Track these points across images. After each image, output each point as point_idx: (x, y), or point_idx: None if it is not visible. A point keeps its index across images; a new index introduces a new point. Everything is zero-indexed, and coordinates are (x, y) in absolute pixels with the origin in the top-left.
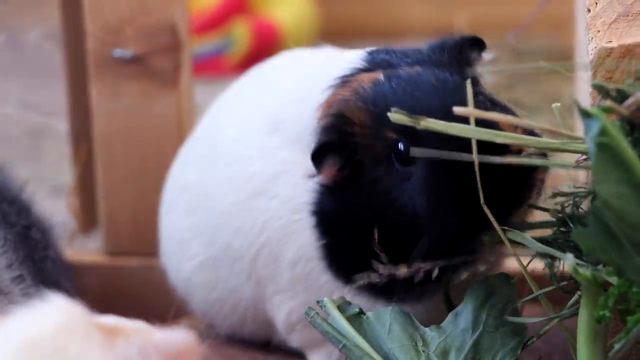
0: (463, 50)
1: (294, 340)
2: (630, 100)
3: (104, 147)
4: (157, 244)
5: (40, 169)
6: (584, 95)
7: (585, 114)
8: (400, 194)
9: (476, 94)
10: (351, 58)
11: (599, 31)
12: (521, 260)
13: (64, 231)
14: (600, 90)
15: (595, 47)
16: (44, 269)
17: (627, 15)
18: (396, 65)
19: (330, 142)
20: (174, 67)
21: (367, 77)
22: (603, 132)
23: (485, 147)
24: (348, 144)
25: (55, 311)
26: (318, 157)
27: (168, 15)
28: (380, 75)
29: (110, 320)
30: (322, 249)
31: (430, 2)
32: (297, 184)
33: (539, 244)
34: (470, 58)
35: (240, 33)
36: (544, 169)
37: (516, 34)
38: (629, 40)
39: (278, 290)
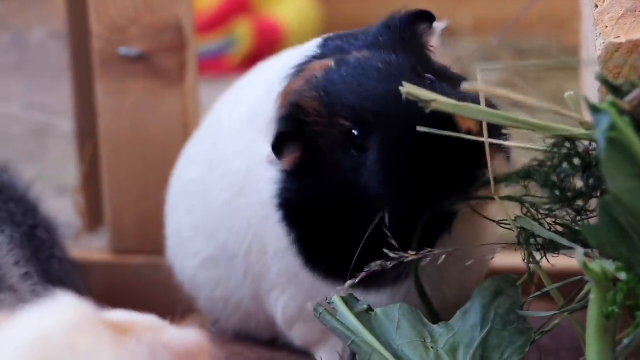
0: (410, 26)
1: (296, 338)
2: (631, 96)
3: (109, 146)
4: (163, 241)
5: (45, 168)
6: (590, 92)
7: (595, 109)
8: (358, 178)
9: (418, 67)
10: (308, 46)
11: (606, 27)
12: (534, 255)
13: (70, 230)
14: (605, 83)
15: (603, 43)
16: (50, 268)
17: (635, 11)
18: (347, 51)
19: (286, 132)
20: (180, 66)
21: (319, 65)
22: (613, 127)
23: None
24: (305, 133)
25: (65, 309)
26: (277, 147)
27: (173, 14)
28: (331, 63)
29: (121, 316)
30: (294, 243)
31: (434, 0)
32: (267, 178)
33: (551, 233)
34: (419, 32)
35: (243, 32)
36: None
37: (501, 35)
38: (637, 35)
39: (272, 286)
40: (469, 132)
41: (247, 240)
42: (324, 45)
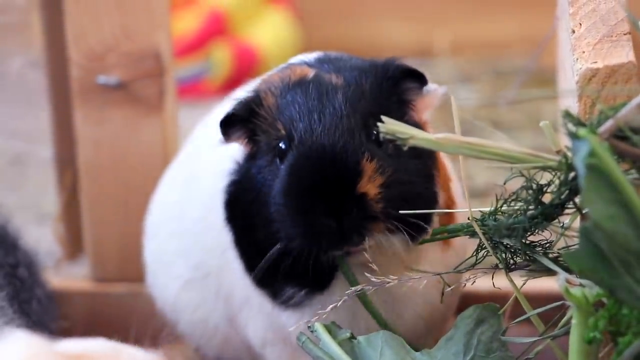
0: (396, 80)
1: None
2: (603, 127)
3: (89, 174)
4: (144, 269)
5: (24, 196)
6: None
7: (574, 135)
8: (272, 187)
9: (371, 122)
10: (313, 54)
11: (583, 52)
12: (514, 281)
13: (50, 258)
14: (570, 118)
15: (580, 68)
16: (30, 310)
17: (612, 36)
18: (328, 71)
19: (236, 114)
20: (159, 93)
21: (300, 71)
22: (592, 153)
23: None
24: (251, 123)
25: (19, 344)
26: (225, 125)
27: (151, 42)
28: (309, 75)
29: (74, 346)
30: (234, 246)
31: (412, 22)
32: None
33: (542, 256)
34: (403, 88)
35: (220, 57)
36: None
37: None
38: (614, 60)
39: (240, 305)
40: (364, 195)
41: (217, 259)
42: (322, 58)
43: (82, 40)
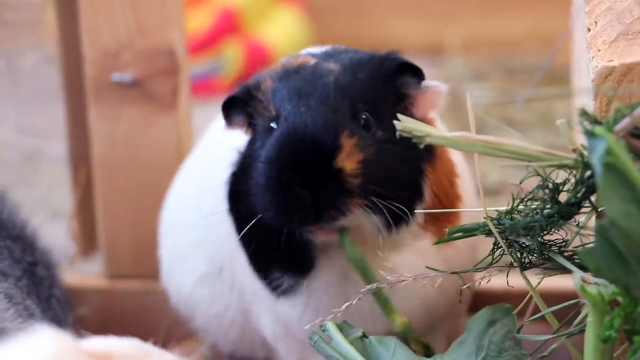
0: (393, 72)
1: (284, 356)
2: (620, 125)
3: (103, 171)
4: (158, 265)
5: (38, 193)
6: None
7: (590, 134)
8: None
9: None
10: (325, 47)
11: (599, 50)
12: (529, 279)
13: (64, 255)
14: (586, 116)
15: (596, 66)
16: (50, 308)
17: (627, 34)
18: (328, 59)
19: (236, 97)
20: (173, 90)
21: (303, 59)
22: (609, 151)
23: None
24: (250, 107)
25: (45, 341)
26: (226, 107)
27: (166, 39)
28: (309, 62)
29: (102, 344)
30: (235, 233)
31: (423, 19)
32: None
33: (558, 255)
34: (399, 81)
35: (232, 54)
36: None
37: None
38: (630, 58)
39: (251, 298)
40: (341, 170)
41: (230, 252)
42: (328, 50)
43: (97, 38)
